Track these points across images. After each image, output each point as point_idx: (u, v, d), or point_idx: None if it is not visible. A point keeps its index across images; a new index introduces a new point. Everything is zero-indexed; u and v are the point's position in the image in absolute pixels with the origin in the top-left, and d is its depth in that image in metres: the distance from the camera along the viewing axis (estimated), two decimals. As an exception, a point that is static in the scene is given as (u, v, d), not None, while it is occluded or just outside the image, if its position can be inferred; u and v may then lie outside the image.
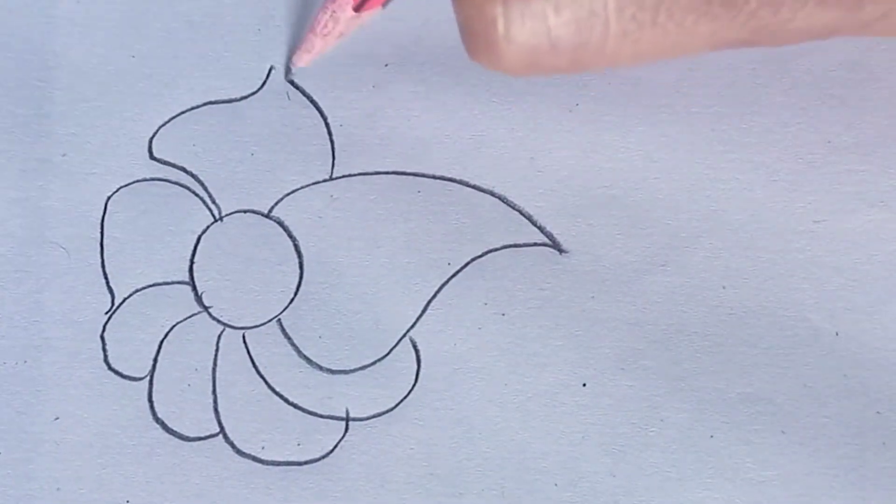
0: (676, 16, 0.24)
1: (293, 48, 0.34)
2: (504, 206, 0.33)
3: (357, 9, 0.31)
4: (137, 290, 0.33)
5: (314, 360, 0.32)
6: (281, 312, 0.33)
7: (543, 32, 0.24)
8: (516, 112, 0.33)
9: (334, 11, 0.32)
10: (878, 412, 0.31)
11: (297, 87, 0.34)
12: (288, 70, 0.34)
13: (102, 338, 0.33)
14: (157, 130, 0.34)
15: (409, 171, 0.33)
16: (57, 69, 0.34)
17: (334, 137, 0.34)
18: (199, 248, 0.33)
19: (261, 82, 0.34)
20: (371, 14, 0.32)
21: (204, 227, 0.33)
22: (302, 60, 0.33)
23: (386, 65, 0.34)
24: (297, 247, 0.33)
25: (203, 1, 0.34)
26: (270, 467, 0.32)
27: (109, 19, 0.34)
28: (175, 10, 0.34)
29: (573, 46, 0.24)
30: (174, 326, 0.33)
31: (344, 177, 0.33)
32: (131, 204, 0.33)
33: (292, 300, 0.33)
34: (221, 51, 0.34)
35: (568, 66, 0.25)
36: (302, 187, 0.33)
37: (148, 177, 0.34)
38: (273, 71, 0.34)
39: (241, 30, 0.34)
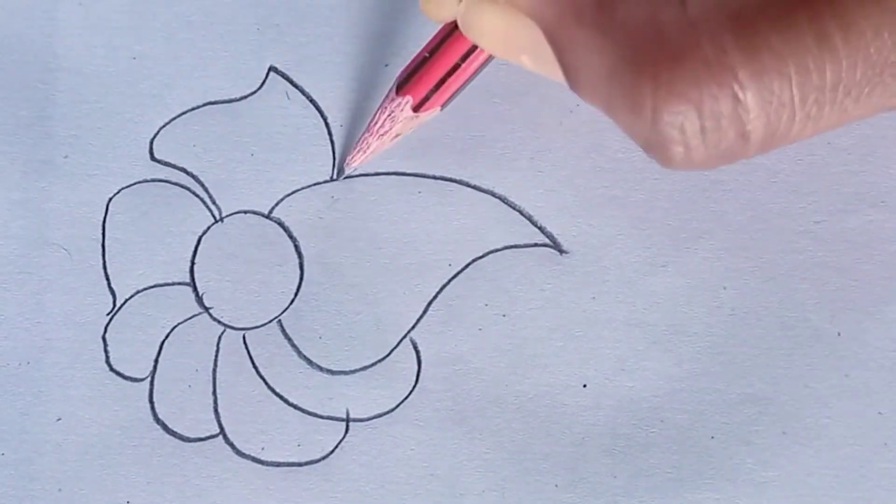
0: (853, 92, 0.24)
1: (346, 149, 0.34)
2: (505, 206, 0.33)
3: (416, 109, 0.31)
4: (139, 292, 0.33)
5: (314, 360, 0.32)
6: (281, 313, 0.33)
7: (738, 133, 0.24)
8: (517, 112, 0.33)
9: (392, 112, 0.31)
10: (879, 412, 0.31)
11: (297, 87, 0.34)
12: (341, 171, 0.33)
13: (104, 339, 0.33)
14: (158, 132, 0.34)
15: (409, 171, 0.33)
16: (58, 71, 0.34)
17: (334, 138, 0.34)
18: (199, 248, 0.33)
19: (260, 82, 0.34)
20: (429, 114, 0.32)
21: (204, 228, 0.33)
22: (356, 161, 0.33)
23: (386, 65, 0.34)
24: (297, 247, 0.33)
25: (203, 2, 0.34)
26: (270, 468, 0.32)
27: (110, 21, 0.34)
28: (175, 11, 0.34)
29: (763, 137, 0.25)
30: (175, 327, 0.33)
31: (344, 177, 0.33)
32: (132, 205, 0.33)
33: (293, 301, 0.33)
34: (221, 51, 0.34)
35: (756, 152, 0.25)
36: (302, 188, 0.33)
37: (149, 178, 0.34)
38: (272, 71, 0.34)
39: (240, 30, 0.34)
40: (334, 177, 0.33)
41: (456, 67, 0.30)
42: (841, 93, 0.24)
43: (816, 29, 0.23)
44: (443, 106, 0.31)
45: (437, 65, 0.30)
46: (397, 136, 0.32)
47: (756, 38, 0.23)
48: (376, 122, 0.32)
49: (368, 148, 0.32)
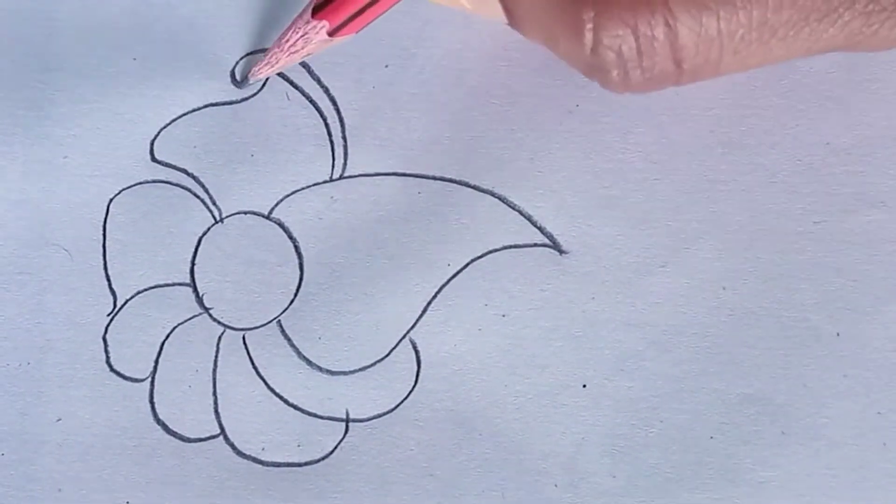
0: (779, 31, 0.26)
1: (253, 58, 0.34)
2: (504, 206, 0.33)
3: (332, 33, 0.31)
4: (139, 292, 0.33)
5: (314, 361, 0.32)
6: (281, 314, 0.33)
7: (670, 58, 0.27)
8: (516, 113, 0.33)
9: (306, 33, 0.31)
10: (878, 412, 0.31)
11: (297, 88, 0.34)
12: (245, 79, 0.33)
13: (104, 339, 0.33)
14: (159, 132, 0.34)
15: (409, 171, 0.33)
16: (58, 71, 0.34)
17: (334, 139, 0.34)
18: (200, 249, 0.33)
19: (260, 84, 0.34)
20: (343, 39, 0.32)
21: (205, 228, 0.33)
22: (262, 73, 0.33)
23: (386, 66, 0.34)
24: (297, 248, 0.33)
25: (203, 3, 0.34)
26: (270, 468, 0.32)
27: (110, 21, 0.34)
28: (175, 11, 0.34)
29: (693, 66, 0.27)
30: (175, 328, 0.33)
31: (344, 178, 0.33)
32: (133, 206, 0.33)
33: (292, 301, 0.33)
34: (221, 52, 0.34)
35: (688, 80, 0.28)
36: (302, 188, 0.33)
37: (149, 179, 0.34)
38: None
39: (240, 31, 0.34)
40: (236, 83, 0.34)
41: None
42: (767, 32, 0.26)
43: None
44: (358, 31, 0.31)
45: None
46: (308, 55, 0.32)
47: None
48: (288, 41, 0.32)
49: (277, 62, 0.32)
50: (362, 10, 0.31)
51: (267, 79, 0.34)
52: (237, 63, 0.34)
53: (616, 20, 0.26)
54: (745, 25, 0.26)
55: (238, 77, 0.34)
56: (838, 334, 0.32)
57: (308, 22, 0.31)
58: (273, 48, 0.32)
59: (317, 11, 0.31)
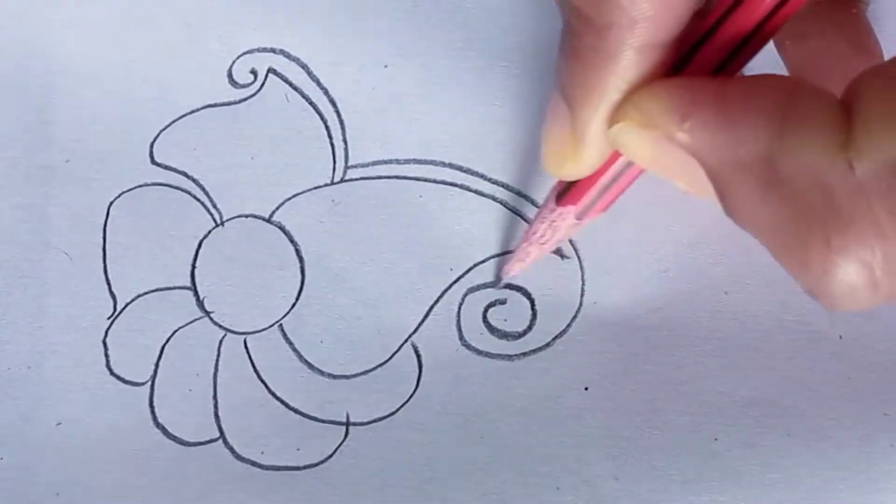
0: None
1: (504, 257, 0.33)
2: (506, 210, 0.33)
3: (579, 217, 0.30)
4: (139, 296, 0.33)
5: (315, 364, 0.32)
6: (282, 317, 0.33)
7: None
8: (518, 115, 0.33)
9: (554, 221, 0.30)
10: (885, 413, 0.31)
11: (296, 89, 0.34)
12: (498, 280, 0.33)
13: (104, 343, 0.33)
14: (158, 135, 0.34)
15: (410, 175, 0.33)
16: (58, 76, 0.34)
17: (334, 141, 0.34)
18: (200, 253, 0.33)
19: (259, 84, 0.34)
20: (592, 219, 0.30)
21: (205, 232, 0.33)
22: (514, 270, 0.32)
23: (385, 66, 0.34)
24: (298, 251, 0.33)
25: (201, 4, 0.34)
26: (270, 472, 0.32)
27: (109, 24, 0.35)
28: (173, 13, 0.34)
29: None
30: (176, 331, 0.33)
31: (345, 181, 0.33)
32: (133, 209, 0.33)
33: (294, 305, 0.33)
34: (218, 52, 0.34)
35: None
36: (303, 192, 0.33)
37: (149, 181, 0.34)
38: (271, 73, 0.34)
39: (237, 30, 0.34)
40: (490, 285, 0.33)
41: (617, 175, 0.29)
42: None
43: None
44: (606, 209, 0.30)
45: (599, 174, 0.28)
46: (559, 242, 0.31)
47: None
48: (536, 232, 0.31)
49: (528, 257, 0.32)
50: (607, 189, 0.29)
51: (266, 79, 0.34)
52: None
53: (851, 258, 0.23)
54: None
55: (493, 277, 0.33)
56: (841, 337, 0.32)
57: (553, 210, 0.30)
58: (522, 244, 0.32)
59: (560, 198, 0.30)
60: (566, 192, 0.29)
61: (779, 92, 0.24)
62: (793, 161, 0.23)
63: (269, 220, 0.33)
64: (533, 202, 0.33)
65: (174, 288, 0.33)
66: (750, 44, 0.25)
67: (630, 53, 0.25)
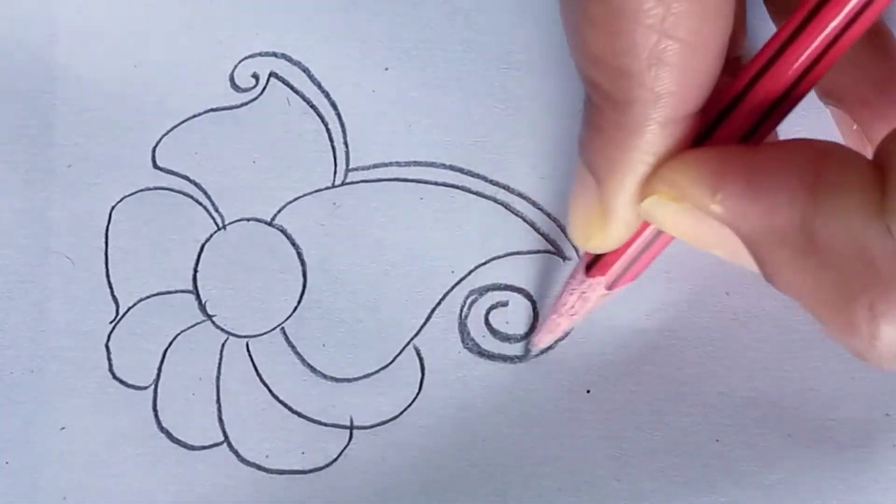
0: None
1: (535, 329, 0.32)
2: (507, 212, 0.33)
3: (609, 287, 0.29)
4: (141, 300, 0.33)
5: (318, 368, 0.32)
6: (284, 321, 0.33)
7: None
8: (518, 118, 0.33)
9: (584, 292, 0.30)
10: (886, 414, 0.31)
11: (297, 93, 0.34)
12: (527, 352, 0.32)
13: (107, 347, 0.33)
14: (160, 139, 0.34)
15: (411, 177, 0.33)
16: (60, 80, 0.34)
17: (335, 144, 0.34)
18: (202, 256, 0.33)
19: (261, 88, 0.34)
20: (621, 290, 0.30)
21: (207, 235, 0.33)
22: (544, 342, 0.32)
23: (386, 69, 0.34)
24: (300, 255, 0.33)
25: (202, 7, 0.34)
26: (275, 476, 0.32)
27: (111, 28, 0.34)
28: (174, 17, 0.34)
29: None
30: (178, 335, 0.33)
31: (346, 184, 0.33)
32: (135, 213, 0.33)
33: (296, 308, 0.33)
34: (220, 56, 0.34)
35: None
36: (304, 195, 0.33)
37: (151, 186, 0.34)
38: (273, 77, 0.34)
39: (239, 34, 0.34)
40: (518, 359, 0.32)
41: (645, 243, 0.28)
42: None
43: None
44: (635, 278, 0.30)
45: (624, 246, 0.28)
46: (588, 312, 0.31)
47: None
48: (565, 304, 0.30)
49: (558, 328, 0.31)
50: (636, 260, 0.29)
51: (267, 83, 0.34)
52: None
53: None
54: None
55: (521, 351, 0.32)
56: (843, 337, 0.32)
57: (583, 281, 0.30)
58: (551, 315, 0.31)
59: (589, 269, 0.29)
60: (595, 262, 0.29)
61: (809, 157, 0.23)
62: (829, 226, 0.23)
63: (270, 224, 0.33)
64: (534, 204, 0.33)
65: (176, 292, 0.33)
66: (780, 107, 0.25)
67: (654, 128, 0.25)
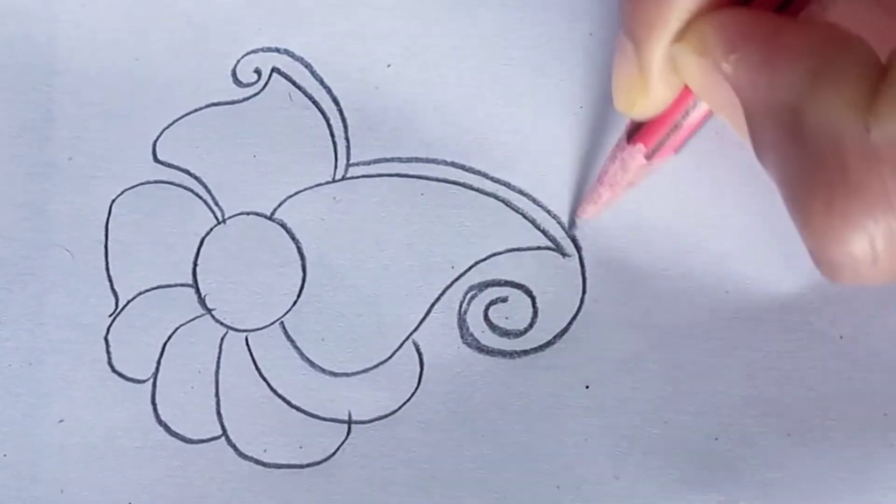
0: None
1: (577, 199, 0.33)
2: (507, 209, 0.33)
3: (649, 157, 0.30)
4: (141, 293, 0.33)
5: (317, 362, 0.32)
6: (284, 315, 0.33)
7: None
8: (520, 115, 0.33)
9: (624, 160, 0.30)
10: (885, 414, 0.31)
11: (299, 88, 0.34)
12: (572, 223, 0.33)
13: (106, 340, 0.33)
14: (161, 133, 0.34)
15: (412, 173, 0.33)
16: (61, 73, 0.34)
17: (336, 139, 0.34)
18: (202, 250, 0.33)
19: (263, 83, 0.34)
20: (662, 161, 0.30)
21: (207, 229, 0.33)
22: (588, 212, 0.32)
23: (388, 65, 0.34)
24: (299, 249, 0.33)
25: (204, 3, 0.34)
26: (273, 470, 0.32)
27: (112, 23, 0.34)
28: (177, 11, 0.34)
29: None
30: (177, 329, 0.33)
31: (347, 179, 0.33)
32: (135, 207, 0.33)
33: (295, 303, 0.33)
34: (222, 51, 0.34)
35: None
36: (305, 189, 0.33)
37: (152, 179, 0.34)
38: (275, 72, 0.34)
39: (242, 30, 0.34)
40: (566, 231, 0.33)
41: (687, 111, 0.28)
42: None
43: None
44: (677, 150, 0.30)
45: (667, 111, 0.28)
46: (630, 184, 0.31)
47: None
48: (607, 172, 0.31)
49: (600, 199, 0.31)
50: (677, 126, 0.29)
51: (269, 78, 0.34)
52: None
53: (853, 227, 0.23)
54: None
55: (567, 225, 0.33)
56: (841, 337, 0.32)
57: (624, 149, 0.30)
58: (594, 185, 0.31)
59: (630, 137, 0.30)
60: (636, 130, 0.29)
61: (824, 41, 0.23)
62: (815, 113, 0.23)
63: (270, 218, 0.33)
64: (534, 200, 0.33)
65: (176, 285, 0.33)
66: None
67: None
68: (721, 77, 0.25)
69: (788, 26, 0.24)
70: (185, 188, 0.34)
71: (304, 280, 0.33)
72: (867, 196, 0.22)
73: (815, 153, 0.23)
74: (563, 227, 0.33)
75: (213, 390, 0.32)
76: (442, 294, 0.33)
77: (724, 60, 0.25)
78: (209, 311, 0.33)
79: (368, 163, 0.33)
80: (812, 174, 0.23)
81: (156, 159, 0.34)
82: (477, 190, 0.33)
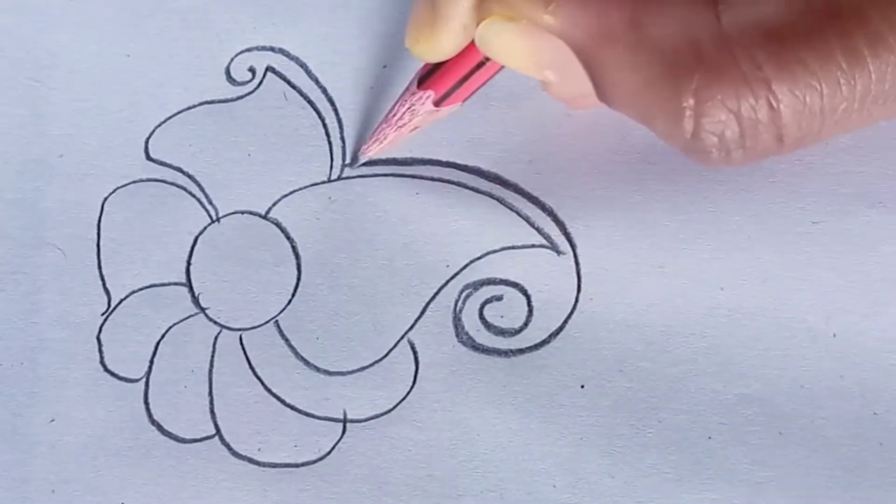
0: (880, 99, 0.25)
1: (361, 137, 0.33)
2: (502, 207, 0.33)
3: (437, 103, 0.30)
4: (134, 292, 0.33)
5: (311, 361, 0.32)
6: (278, 314, 0.33)
7: (773, 136, 0.25)
8: (514, 115, 0.34)
9: (413, 105, 0.31)
10: (874, 413, 0.31)
11: (294, 87, 0.34)
12: (355, 159, 0.33)
13: (99, 339, 0.33)
14: (154, 131, 0.34)
15: (407, 173, 0.33)
16: (52, 69, 0.34)
17: (332, 139, 0.34)
18: (195, 249, 0.33)
19: (257, 82, 0.34)
20: (450, 109, 0.31)
21: (201, 228, 0.33)
22: (371, 151, 0.33)
23: (384, 66, 0.34)
24: (294, 248, 0.33)
25: (199, 1, 0.34)
26: (267, 469, 0.32)
27: (104, 18, 0.34)
28: (169, 8, 0.34)
29: (795, 139, 0.26)
30: (171, 328, 0.33)
31: (342, 178, 0.33)
32: (128, 205, 0.33)
33: (290, 301, 0.33)
34: (216, 49, 0.34)
35: (789, 151, 0.26)
36: (300, 189, 0.33)
37: (144, 177, 0.33)
38: (269, 71, 0.34)
39: (236, 28, 0.34)
40: (345, 164, 0.33)
41: (480, 65, 0.29)
42: (868, 101, 0.25)
43: (845, 44, 0.24)
44: (464, 100, 0.31)
45: (460, 61, 0.29)
46: (415, 128, 0.32)
47: (788, 54, 0.24)
48: (395, 115, 0.31)
49: (385, 139, 0.32)
50: (466, 78, 0.30)
51: (264, 77, 0.34)
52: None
53: (718, 106, 0.25)
54: (848, 98, 0.25)
55: (347, 158, 0.33)
56: (835, 335, 0.32)
57: (413, 93, 0.31)
58: (380, 124, 0.32)
59: (422, 82, 0.30)
60: (428, 76, 0.30)
61: None
62: (660, 18, 0.24)
63: (265, 217, 0.33)
64: (530, 198, 0.33)
65: (169, 284, 0.33)
66: None
67: None
68: (541, 34, 0.26)
69: None
70: (178, 186, 0.33)
71: (298, 279, 0.33)
72: (727, 79, 0.24)
73: (668, 53, 0.24)
74: (557, 225, 0.33)
75: (207, 389, 0.32)
76: (437, 293, 0.33)
77: (544, 12, 0.25)
78: (203, 309, 0.33)
79: (363, 163, 0.33)
80: (672, 72, 0.25)
81: (148, 157, 0.34)
82: (471, 189, 0.33)
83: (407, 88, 0.31)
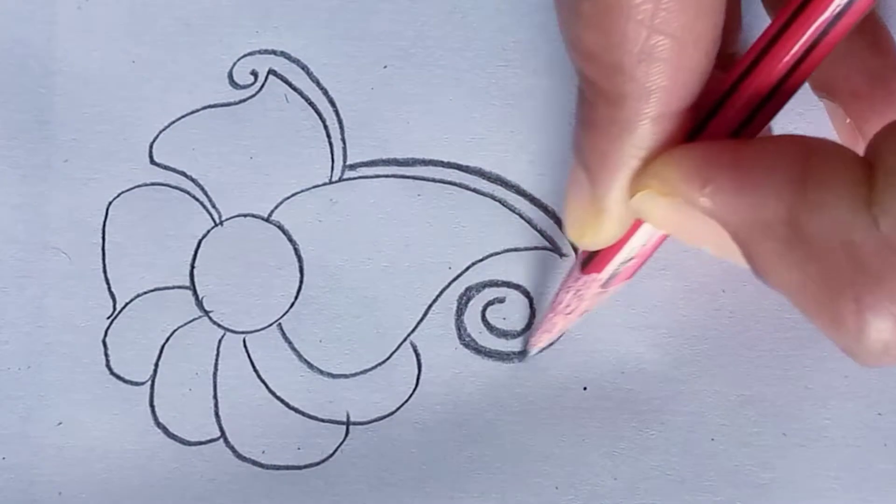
0: None
1: (532, 326, 0.32)
2: (504, 209, 0.33)
3: (604, 285, 0.30)
4: (139, 295, 0.33)
5: (315, 364, 0.32)
6: (281, 317, 0.33)
7: None
8: (516, 115, 0.33)
9: (579, 290, 0.30)
10: (879, 413, 0.31)
11: (296, 90, 0.34)
12: (524, 353, 0.32)
13: (104, 343, 0.33)
14: (158, 135, 0.34)
15: (409, 174, 0.33)
16: (57, 75, 0.34)
17: (333, 140, 0.34)
18: (199, 252, 0.33)
19: (260, 85, 0.34)
20: (617, 287, 0.30)
21: (204, 231, 0.33)
22: (541, 342, 0.32)
23: (385, 67, 0.34)
24: (297, 251, 0.33)
25: (201, 4, 0.34)
26: (271, 471, 0.32)
27: (109, 24, 0.34)
28: (173, 13, 0.34)
29: None
30: (175, 331, 0.33)
31: (344, 180, 0.33)
32: (132, 209, 0.33)
33: (293, 304, 0.33)
34: (219, 54, 0.34)
35: None
36: (302, 191, 0.33)
37: (148, 181, 0.34)
38: (271, 74, 0.34)
39: (239, 32, 0.34)
40: (519, 354, 0.32)
41: (640, 242, 0.28)
42: None
43: None
44: (630, 278, 0.30)
45: (619, 243, 0.28)
46: (585, 311, 0.31)
47: None
48: (561, 302, 0.30)
49: (555, 327, 0.31)
50: (631, 256, 0.29)
51: (266, 80, 0.34)
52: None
53: (883, 316, 0.23)
54: None
55: (518, 352, 0.32)
56: (838, 336, 0.32)
57: (578, 279, 0.30)
58: (547, 314, 0.31)
59: (584, 267, 0.29)
60: (590, 260, 0.29)
61: (797, 151, 0.24)
62: (815, 219, 0.23)
63: (267, 220, 0.33)
64: (532, 200, 0.33)
65: (173, 287, 0.33)
66: (771, 101, 0.25)
67: (646, 123, 0.25)
68: (695, 213, 0.25)
69: (751, 146, 0.24)
70: (181, 190, 0.33)
71: (301, 282, 0.33)
72: (890, 284, 0.23)
73: (826, 256, 0.23)
74: (559, 227, 0.33)
75: (212, 392, 0.32)
76: (439, 295, 0.33)
77: (699, 195, 0.24)
78: (207, 313, 0.33)
79: (365, 164, 0.33)
80: (831, 276, 0.23)
81: (152, 161, 0.34)
82: (473, 190, 0.33)
83: (570, 275, 0.30)
